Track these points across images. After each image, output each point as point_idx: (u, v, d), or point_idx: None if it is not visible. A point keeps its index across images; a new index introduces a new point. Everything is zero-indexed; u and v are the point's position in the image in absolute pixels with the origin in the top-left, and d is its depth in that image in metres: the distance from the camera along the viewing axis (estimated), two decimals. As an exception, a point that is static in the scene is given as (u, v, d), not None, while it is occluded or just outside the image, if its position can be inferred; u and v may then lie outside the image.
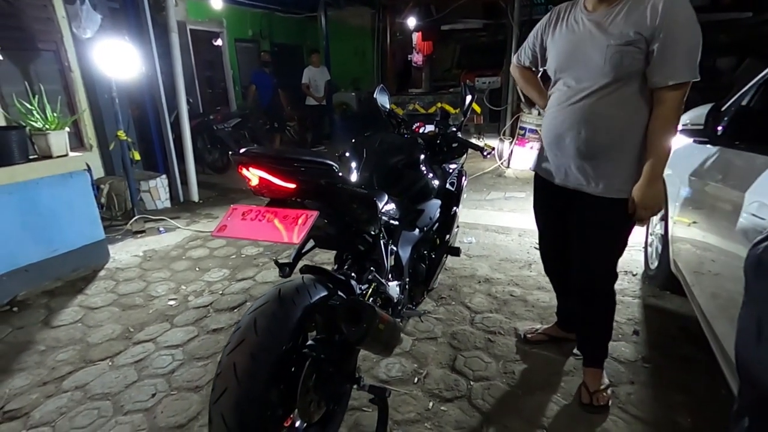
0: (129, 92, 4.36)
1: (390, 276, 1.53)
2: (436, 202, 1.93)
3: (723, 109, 1.79)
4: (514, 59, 1.85)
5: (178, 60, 4.39)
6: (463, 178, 2.22)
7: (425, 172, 1.85)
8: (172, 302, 2.62)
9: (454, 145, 2.10)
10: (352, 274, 1.46)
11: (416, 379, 1.87)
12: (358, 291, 1.41)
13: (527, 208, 4.04)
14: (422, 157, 1.86)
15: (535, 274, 2.78)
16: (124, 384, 1.89)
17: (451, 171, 2.12)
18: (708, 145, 1.83)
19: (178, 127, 4.55)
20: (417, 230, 1.80)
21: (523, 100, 4.99)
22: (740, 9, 7.44)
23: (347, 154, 1.86)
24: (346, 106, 8.33)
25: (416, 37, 10.78)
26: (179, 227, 3.92)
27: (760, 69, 1.79)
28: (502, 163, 5.35)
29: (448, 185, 2.04)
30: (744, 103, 1.76)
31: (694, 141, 1.87)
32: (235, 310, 2.49)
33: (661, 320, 2.26)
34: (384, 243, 1.51)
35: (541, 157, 1.70)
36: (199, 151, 5.10)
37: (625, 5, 1.36)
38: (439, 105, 5.82)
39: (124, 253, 3.35)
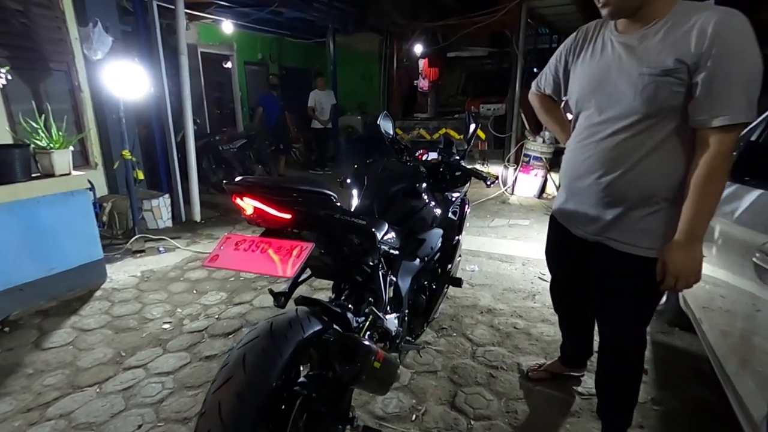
0: (137, 112, 4.41)
1: (388, 308, 1.48)
2: (437, 231, 1.89)
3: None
4: (533, 86, 1.66)
5: (186, 82, 4.45)
6: (466, 206, 2.19)
7: (427, 200, 1.82)
8: (166, 326, 2.56)
9: (457, 173, 2.07)
10: (349, 306, 1.41)
11: (414, 416, 1.79)
12: (355, 324, 1.36)
13: (531, 236, 3.99)
14: (424, 185, 1.83)
15: (539, 306, 2.70)
16: (110, 413, 1.82)
17: (453, 199, 2.08)
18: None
19: (184, 147, 4.58)
20: (417, 260, 1.75)
21: (528, 127, 5.00)
22: None
23: (348, 181, 1.83)
24: (352, 129, 8.41)
25: (422, 63, 10.99)
26: (179, 247, 3.89)
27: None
28: (506, 190, 5.32)
29: (450, 214, 2.00)
30: (753, 138, 1.73)
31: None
32: (230, 336, 2.43)
33: (671, 359, 2.18)
34: (383, 274, 1.46)
35: (559, 198, 1.52)
36: (203, 171, 5.12)
37: (664, 25, 1.12)
38: (443, 131, 5.85)
39: (121, 273, 3.31)
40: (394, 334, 1.48)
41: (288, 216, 1.06)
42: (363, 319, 1.41)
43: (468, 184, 2.21)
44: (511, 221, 4.45)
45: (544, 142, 4.80)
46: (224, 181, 1.12)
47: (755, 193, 1.51)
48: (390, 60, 9.79)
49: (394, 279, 1.59)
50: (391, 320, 1.46)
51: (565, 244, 1.51)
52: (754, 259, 1.26)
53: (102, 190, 4.17)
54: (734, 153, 1.77)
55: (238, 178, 1.09)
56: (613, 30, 1.26)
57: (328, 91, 7.25)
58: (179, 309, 2.77)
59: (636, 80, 1.14)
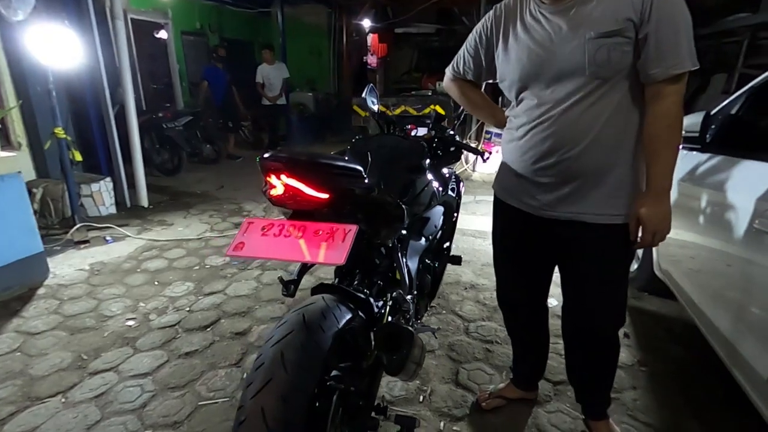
0: (67, 84, 3.88)
1: (411, 290, 1.40)
2: (440, 209, 1.84)
3: (712, 116, 1.85)
4: (449, 72, 1.54)
5: (124, 49, 3.97)
6: (461, 183, 2.15)
7: (430, 177, 1.75)
8: (130, 322, 2.31)
9: (452, 149, 2.01)
10: (366, 291, 1.32)
11: (421, 398, 1.76)
12: (375, 309, 1.28)
13: (499, 212, 4.08)
14: (428, 161, 1.75)
15: None
16: (85, 425, 1.61)
17: (448, 176, 2.03)
18: (698, 152, 1.89)
19: (124, 125, 4.12)
20: (423, 239, 1.69)
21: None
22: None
23: (347, 157, 1.70)
24: (303, 106, 8.06)
25: (371, 38, 10.75)
26: (130, 236, 3.53)
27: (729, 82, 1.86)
28: (468, 167, 5.39)
29: (449, 191, 1.95)
30: (733, 111, 1.83)
31: (683, 148, 1.92)
32: (209, 329, 2.24)
33: (646, 322, 2.32)
34: (401, 255, 1.38)
35: (508, 182, 1.38)
36: (146, 151, 4.65)
37: None
38: (403, 107, 5.76)
39: (66, 267, 2.94)
40: (411, 316, 1.42)
41: (326, 196, 0.94)
42: (382, 303, 1.34)
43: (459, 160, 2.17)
44: (477, 197, 4.52)
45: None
46: (258, 157, 0.96)
47: (744, 163, 1.59)
48: (339, 34, 9.46)
49: (405, 259, 1.52)
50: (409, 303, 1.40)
51: (523, 231, 1.39)
52: (755, 225, 1.33)
53: (29, 174, 3.66)
54: (713, 126, 1.88)
55: (267, 154, 0.94)
56: (539, 3, 1.19)
57: (278, 65, 6.84)
58: (142, 303, 2.51)
59: (585, 46, 1.10)
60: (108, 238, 3.45)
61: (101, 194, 3.93)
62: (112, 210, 4.05)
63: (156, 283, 2.77)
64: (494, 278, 2.58)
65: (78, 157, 3.57)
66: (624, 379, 1.86)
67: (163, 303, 2.52)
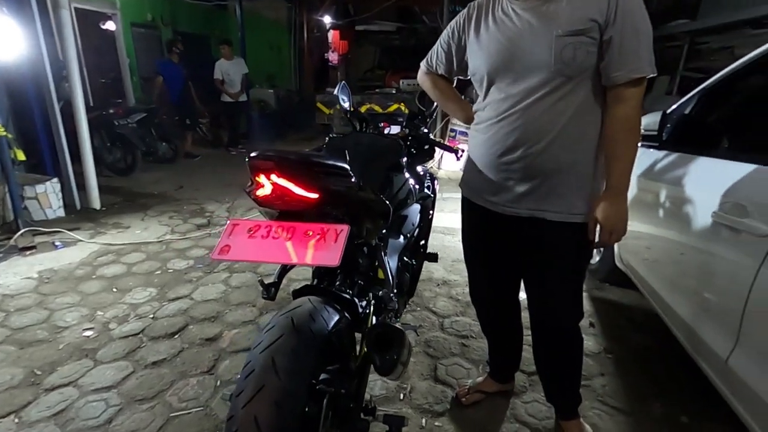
0: (7, 78, 3.57)
1: (394, 290, 1.40)
2: (417, 207, 1.84)
3: (668, 115, 1.97)
4: (423, 66, 1.56)
5: (70, 41, 3.70)
6: (436, 181, 2.16)
7: (408, 175, 1.75)
8: (88, 333, 2.17)
9: (426, 146, 2.03)
10: (349, 291, 1.30)
11: (402, 396, 1.76)
12: (360, 310, 1.26)
13: (466, 209, 4.15)
14: (406, 159, 1.75)
15: None
16: (44, 446, 1.49)
17: (423, 174, 2.04)
18: (656, 149, 2.01)
19: (71, 122, 3.85)
20: (402, 237, 1.69)
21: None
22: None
23: (332, 157, 1.67)
24: (264, 103, 7.86)
25: (332, 35, 10.65)
26: (82, 240, 3.30)
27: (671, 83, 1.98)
28: (433, 165, 5.45)
29: (425, 189, 1.96)
30: (686, 111, 1.95)
31: (642, 145, 2.03)
32: (176, 337, 2.14)
33: (609, 312, 2.44)
34: (384, 253, 1.38)
35: (473, 180, 1.40)
36: (96, 150, 4.36)
37: None
38: (368, 105, 5.75)
39: (11, 275, 2.71)
40: (394, 315, 1.42)
41: (316, 195, 0.92)
42: (366, 303, 1.32)
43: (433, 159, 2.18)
44: (444, 194, 4.57)
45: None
46: (246, 157, 0.92)
47: (698, 159, 1.70)
48: (300, 30, 9.30)
49: (387, 258, 1.51)
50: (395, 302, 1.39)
51: (489, 228, 1.42)
52: (713, 217, 1.42)
53: (-37, 175, 3.34)
54: (668, 125, 1.99)
55: (255, 153, 0.90)
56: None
57: (237, 60, 6.62)
58: (100, 312, 2.36)
59: (553, 43, 1.12)
60: (57, 243, 3.21)
61: (47, 196, 3.65)
62: (61, 213, 3.78)
63: (114, 290, 2.61)
64: (465, 274, 2.61)
65: (21, 156, 3.30)
66: (592, 366, 1.95)
67: (123, 311, 2.38)
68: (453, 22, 1.38)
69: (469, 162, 1.43)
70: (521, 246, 1.37)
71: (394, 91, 6.32)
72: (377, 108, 5.68)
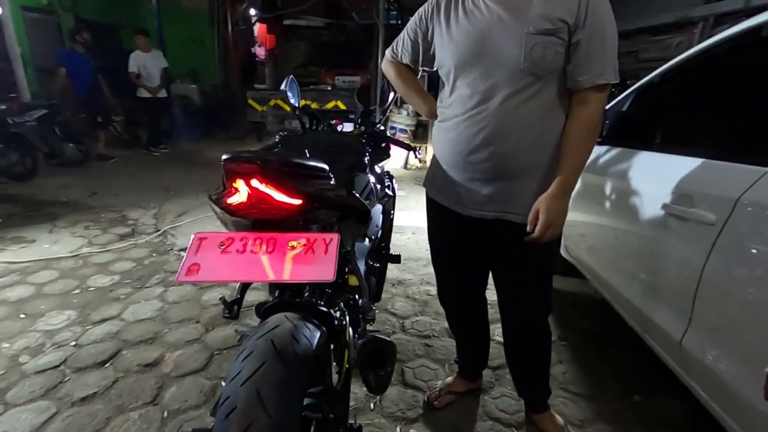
0: None
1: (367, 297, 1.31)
2: (379, 207, 1.77)
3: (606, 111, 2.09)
4: (388, 54, 1.51)
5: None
6: (394, 179, 2.10)
7: (371, 174, 1.67)
8: (-8, 371, 1.82)
9: (383, 144, 1.96)
10: (320, 302, 1.20)
11: (372, 405, 1.69)
12: (335, 322, 1.17)
13: (411, 206, 4.16)
14: (368, 158, 1.67)
15: None
16: None
17: (381, 173, 1.97)
18: (597, 145, 2.12)
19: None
20: (367, 240, 1.61)
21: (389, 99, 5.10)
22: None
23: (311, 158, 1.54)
24: (188, 99, 7.30)
25: (258, 28, 10.19)
26: (-27, 259, 2.79)
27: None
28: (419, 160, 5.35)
29: (386, 188, 1.89)
30: (623, 109, 2.09)
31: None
32: (108, 365, 1.87)
33: (556, 300, 2.53)
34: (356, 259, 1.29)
35: (439, 180, 1.37)
36: (-15, 152, 3.75)
37: None
38: (302, 102, 5.53)
39: None
40: (371, 324, 1.34)
41: (299, 201, 0.81)
42: (339, 314, 1.23)
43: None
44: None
45: (408, 114, 5.01)
46: (224, 158, 0.77)
47: (636, 153, 1.82)
48: (224, 22, 8.75)
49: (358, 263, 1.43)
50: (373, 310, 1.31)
51: (457, 230, 1.40)
52: (663, 209, 1.52)
53: None
54: (607, 121, 2.12)
55: (229, 155, 0.76)
56: None
57: (154, 53, 6.05)
58: (5, 344, 2.00)
59: (522, 40, 1.10)
60: (-60, 264, 2.69)
61: (-77, 209, 3.04)
62: (-58, 228, 3.18)
63: (22, 315, 2.23)
64: (419, 273, 2.59)
65: None
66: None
67: (36, 340, 2.03)
68: (421, 10, 1.33)
69: (434, 162, 1.39)
70: (489, 246, 1.37)
71: (329, 88, 6.17)
72: (314, 105, 5.49)
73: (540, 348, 1.51)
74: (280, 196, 0.79)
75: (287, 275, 0.77)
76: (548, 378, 1.57)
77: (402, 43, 1.42)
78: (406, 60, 1.44)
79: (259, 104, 5.70)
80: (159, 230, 3.48)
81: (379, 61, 5.44)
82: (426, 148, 4.60)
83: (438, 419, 1.63)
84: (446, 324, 2.23)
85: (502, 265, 1.39)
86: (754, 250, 1.17)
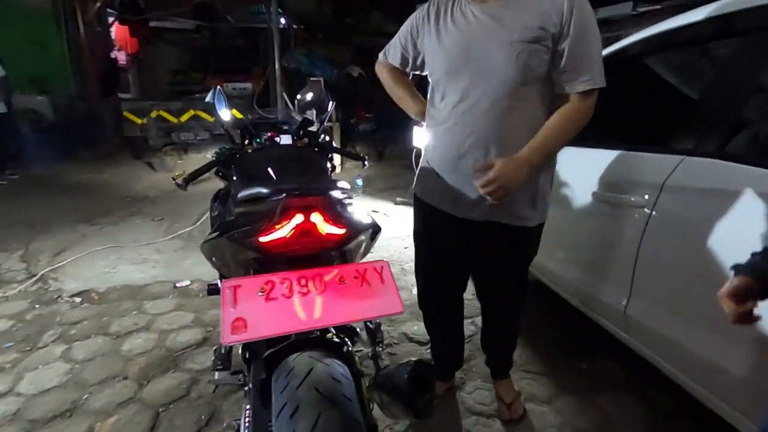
0: None
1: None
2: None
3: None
4: (380, 57, 1.54)
5: None
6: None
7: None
8: None
9: (330, 155, 1.88)
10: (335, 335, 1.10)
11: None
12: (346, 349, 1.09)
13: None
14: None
15: (411, 276, 2.83)
16: None
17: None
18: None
19: None
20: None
21: (291, 106, 4.92)
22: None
23: (239, 173, 1.38)
24: (37, 114, 6.11)
25: (116, 30, 9.03)
26: None
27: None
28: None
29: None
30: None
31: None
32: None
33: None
34: None
35: (429, 182, 1.39)
36: None
37: None
38: (192, 112, 5.03)
39: None
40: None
41: (342, 231, 0.72)
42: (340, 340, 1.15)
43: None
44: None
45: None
46: (284, 195, 0.64)
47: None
48: (73, 22, 7.49)
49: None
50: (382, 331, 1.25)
51: (450, 231, 1.40)
52: (593, 197, 1.73)
53: None
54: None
55: (289, 188, 0.64)
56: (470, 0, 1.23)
57: (-16, 59, 4.95)
58: None
59: (508, 48, 1.14)
60: None
61: None
62: None
63: None
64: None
65: None
66: (503, 341, 2.16)
67: None
68: (413, 17, 1.37)
69: (424, 163, 1.42)
70: (476, 247, 1.41)
71: (219, 96, 5.70)
72: (204, 115, 5.05)
73: (514, 334, 1.68)
74: (329, 228, 0.70)
75: (353, 315, 0.69)
76: (513, 351, 1.74)
77: (392, 48, 1.47)
78: (396, 63, 1.48)
79: (138, 116, 5.02)
80: (34, 275, 2.85)
81: (277, 66, 5.24)
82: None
83: (426, 425, 1.63)
84: (403, 329, 2.26)
85: (487, 263, 1.46)
86: (679, 225, 1.41)
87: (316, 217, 0.70)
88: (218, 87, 1.88)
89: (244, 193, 0.74)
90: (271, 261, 0.74)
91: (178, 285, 2.73)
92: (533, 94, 1.21)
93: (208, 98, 1.84)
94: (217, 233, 0.81)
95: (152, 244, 3.45)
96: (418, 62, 1.41)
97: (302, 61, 6.63)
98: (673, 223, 1.45)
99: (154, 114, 5.02)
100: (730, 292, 0.82)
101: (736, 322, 0.82)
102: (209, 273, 2.91)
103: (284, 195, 0.69)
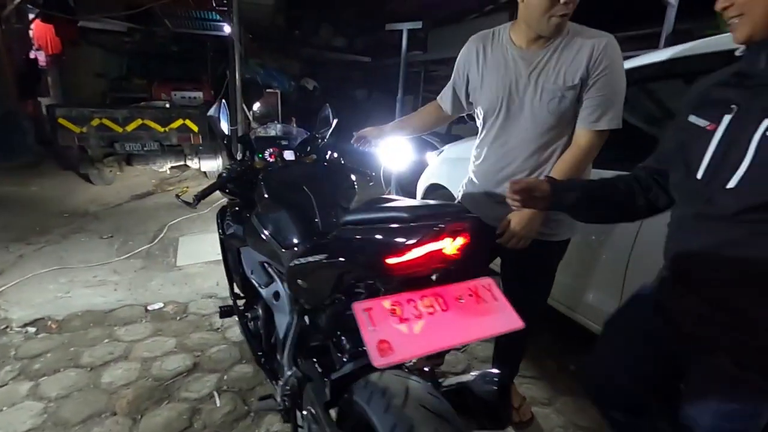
0: None
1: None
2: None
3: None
4: (437, 98, 1.68)
5: None
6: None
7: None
8: None
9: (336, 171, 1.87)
10: None
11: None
12: None
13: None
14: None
15: None
16: None
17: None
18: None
19: None
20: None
21: (251, 118, 4.78)
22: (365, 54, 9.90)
23: (268, 200, 1.35)
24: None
25: (35, 28, 8.22)
26: None
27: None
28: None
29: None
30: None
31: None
32: None
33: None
34: None
35: (474, 198, 1.52)
36: None
37: (559, 45, 1.27)
38: (140, 121, 4.66)
39: None
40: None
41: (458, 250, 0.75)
42: None
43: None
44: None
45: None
46: (442, 221, 0.64)
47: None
48: (-13, 17, 6.66)
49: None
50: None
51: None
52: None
53: None
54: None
55: (453, 210, 0.65)
56: (510, 42, 1.35)
57: None
58: None
59: (543, 93, 1.27)
60: None
61: None
62: None
63: None
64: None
65: None
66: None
67: None
68: (460, 60, 1.49)
69: (468, 185, 1.58)
70: (504, 258, 1.55)
71: (167, 105, 5.33)
72: (154, 125, 4.71)
73: (524, 339, 1.71)
74: (451, 246, 0.72)
75: (481, 333, 0.72)
76: (521, 359, 1.80)
77: (445, 92, 1.61)
78: (446, 107, 1.61)
79: (76, 125, 4.55)
80: (-31, 304, 2.49)
81: (237, 74, 5.04)
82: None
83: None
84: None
85: (513, 273, 1.55)
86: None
87: (460, 241, 0.72)
88: (223, 101, 1.83)
89: (355, 217, 0.74)
90: (383, 282, 0.75)
91: (149, 308, 2.52)
92: (564, 133, 1.34)
93: (211, 111, 1.78)
94: (326, 255, 0.80)
95: (107, 264, 3.14)
96: (468, 103, 1.53)
97: (258, 72, 6.47)
98: (664, 227, 1.64)
99: (95, 122, 4.57)
100: (528, 184, 1.02)
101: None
102: (182, 294, 2.73)
103: (441, 221, 0.70)
